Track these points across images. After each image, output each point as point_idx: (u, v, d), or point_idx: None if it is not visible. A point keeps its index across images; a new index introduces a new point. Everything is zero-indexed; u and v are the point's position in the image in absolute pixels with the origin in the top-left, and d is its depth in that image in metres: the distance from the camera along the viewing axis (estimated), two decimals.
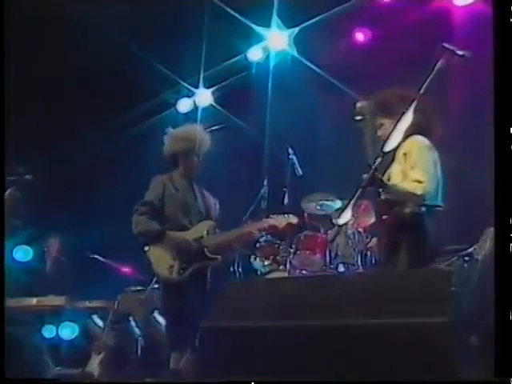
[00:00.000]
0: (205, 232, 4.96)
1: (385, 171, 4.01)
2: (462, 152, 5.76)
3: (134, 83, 7.63)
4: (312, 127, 7.62)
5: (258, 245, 6.00)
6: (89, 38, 7.20)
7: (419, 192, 3.76)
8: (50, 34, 7.22)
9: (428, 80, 3.24)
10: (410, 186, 3.81)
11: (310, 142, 7.30)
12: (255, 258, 6.16)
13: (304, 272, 5.97)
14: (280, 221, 5.18)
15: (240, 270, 6.26)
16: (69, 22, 7.11)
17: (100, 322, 6.40)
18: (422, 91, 3.26)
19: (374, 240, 5.12)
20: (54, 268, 7.31)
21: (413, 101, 3.88)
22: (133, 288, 6.50)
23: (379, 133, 4.13)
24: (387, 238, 3.73)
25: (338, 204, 5.86)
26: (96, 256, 6.97)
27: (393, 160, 4.03)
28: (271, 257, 6.10)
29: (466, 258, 4.53)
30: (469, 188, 5.66)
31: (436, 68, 3.25)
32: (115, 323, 6.04)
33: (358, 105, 4.15)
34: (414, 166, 3.87)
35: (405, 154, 3.94)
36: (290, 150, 6.15)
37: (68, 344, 6.60)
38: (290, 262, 5.81)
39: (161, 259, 4.83)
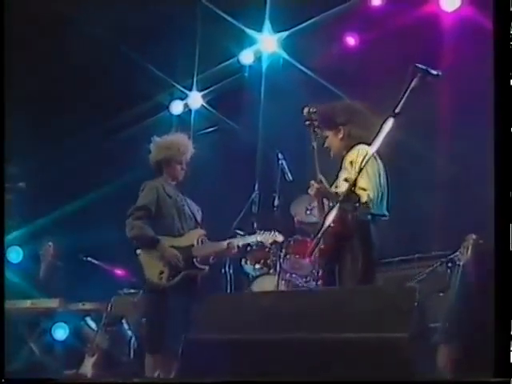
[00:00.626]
0: (195, 241, 5.07)
1: (335, 179, 4.16)
2: (449, 161, 5.86)
3: (128, 86, 7.73)
4: (304, 130, 7.70)
5: (248, 248, 6.09)
6: (82, 40, 7.27)
7: (364, 199, 3.84)
8: (44, 35, 7.30)
9: (402, 100, 3.33)
10: (358, 193, 3.90)
11: (301, 146, 7.39)
12: (246, 262, 6.28)
13: (294, 276, 6.09)
14: (266, 238, 5.31)
15: (231, 272, 6.36)
16: (62, 25, 7.20)
17: (93, 325, 6.49)
18: (397, 110, 3.35)
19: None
20: (48, 271, 7.40)
21: (349, 112, 4.04)
22: (126, 291, 6.59)
23: (326, 144, 4.28)
24: (333, 245, 3.81)
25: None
26: (90, 259, 7.05)
27: (340, 168, 4.17)
28: (262, 260, 6.22)
29: (449, 264, 4.65)
30: (453, 196, 5.78)
31: (410, 88, 3.34)
32: (108, 326, 6.13)
33: (305, 110, 4.26)
34: (359, 173, 3.97)
35: (351, 162, 4.06)
36: (280, 155, 6.25)
37: (61, 345, 6.71)
38: (280, 266, 5.92)
39: (152, 265, 4.93)
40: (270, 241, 5.38)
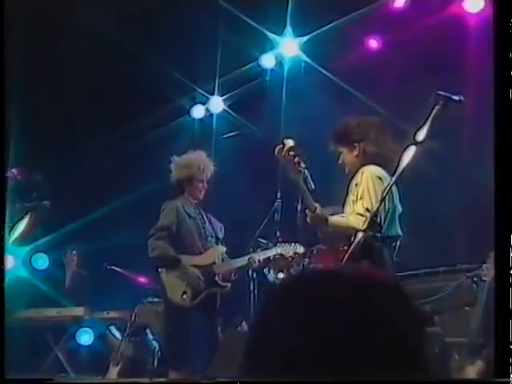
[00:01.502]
0: (216, 258, 5.08)
1: (344, 203, 4.11)
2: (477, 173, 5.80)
3: (149, 90, 7.74)
4: (326, 136, 7.66)
5: (271, 257, 6.06)
6: (103, 44, 7.29)
7: (360, 226, 3.68)
8: (61, 39, 7.32)
9: (425, 128, 3.27)
10: (352, 220, 3.85)
11: (324, 152, 7.37)
12: (269, 271, 6.25)
13: None
14: (287, 249, 5.29)
15: (255, 280, 6.35)
16: (82, 29, 7.21)
17: (118, 333, 6.54)
18: (419, 139, 3.29)
19: None
20: (73, 280, 7.46)
21: (365, 129, 3.98)
22: (150, 299, 6.61)
23: (339, 161, 4.22)
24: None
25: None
26: (113, 267, 7.09)
27: (347, 193, 4.12)
28: (285, 270, 6.18)
29: (475, 279, 4.59)
30: (480, 209, 5.71)
31: (432, 115, 3.29)
32: (132, 335, 6.17)
33: (278, 148, 4.06)
34: (361, 197, 3.93)
35: (356, 185, 4.01)
36: (302, 164, 6.18)
37: (86, 350, 6.77)
38: None
39: (174, 285, 4.96)
40: (291, 253, 5.37)
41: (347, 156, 4.25)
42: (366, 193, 3.93)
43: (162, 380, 4.91)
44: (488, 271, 4.31)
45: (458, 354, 4.14)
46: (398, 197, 4.10)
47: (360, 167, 4.17)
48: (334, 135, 4.28)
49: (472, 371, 3.90)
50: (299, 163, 4.02)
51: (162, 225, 5.10)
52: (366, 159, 4.16)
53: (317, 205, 4.04)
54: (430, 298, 5.07)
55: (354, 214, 3.92)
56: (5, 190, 4.68)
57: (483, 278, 4.30)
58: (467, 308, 4.75)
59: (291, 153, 4.00)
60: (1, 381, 3.25)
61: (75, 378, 6.37)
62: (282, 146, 4.03)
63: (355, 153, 4.21)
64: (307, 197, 4.00)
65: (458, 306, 4.85)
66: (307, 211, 4.06)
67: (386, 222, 3.96)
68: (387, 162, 3.97)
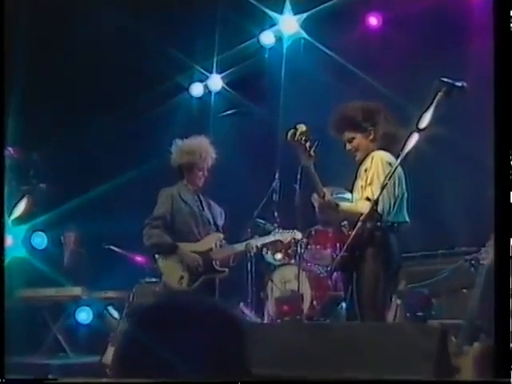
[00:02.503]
0: (213, 244, 5.04)
1: (352, 188, 4.06)
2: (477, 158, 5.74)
3: (148, 67, 7.64)
4: (326, 114, 7.57)
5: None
6: (102, 22, 7.18)
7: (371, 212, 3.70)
8: (61, 17, 7.21)
9: (428, 115, 3.20)
10: (361, 205, 3.80)
11: (324, 131, 7.30)
12: (267, 252, 6.23)
13: (315, 266, 6.04)
14: (285, 236, 5.26)
15: (253, 261, 6.33)
16: (80, 7, 7.10)
17: (116, 314, 6.51)
18: (422, 126, 3.22)
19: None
20: (71, 259, 7.43)
21: (376, 113, 3.91)
22: (147, 280, 6.58)
23: (348, 147, 4.14)
24: (350, 253, 3.73)
25: (349, 197, 5.87)
26: (111, 247, 7.05)
27: (356, 176, 4.06)
28: (283, 250, 6.17)
29: (473, 262, 4.56)
30: (479, 193, 5.65)
31: (435, 102, 3.21)
32: (130, 316, 6.13)
33: (291, 132, 4.00)
34: (370, 182, 3.88)
35: (366, 170, 3.95)
36: (313, 149, 6.10)
37: (85, 329, 6.76)
38: (302, 256, 5.86)
39: (171, 271, 4.95)
40: (289, 239, 5.34)
41: (362, 141, 4.15)
42: (376, 178, 3.89)
43: (162, 380, 4.87)
44: (486, 254, 4.25)
45: (455, 336, 4.10)
46: (404, 182, 4.04)
47: (371, 152, 4.11)
48: (341, 122, 4.18)
49: (470, 354, 3.86)
50: (311, 148, 3.96)
51: (156, 214, 5.08)
52: (380, 143, 4.09)
53: (325, 190, 3.98)
54: (428, 280, 5.06)
55: (362, 199, 3.87)
56: (3, 171, 4.62)
57: (481, 262, 4.24)
58: (465, 291, 4.72)
59: (303, 138, 3.95)
60: (1, 381, 3.22)
61: (73, 357, 6.35)
62: (294, 130, 3.98)
63: (370, 137, 4.13)
64: (317, 183, 3.93)
65: (456, 289, 4.83)
66: (315, 197, 4.00)
67: (395, 209, 3.91)
68: (395, 146, 3.91)
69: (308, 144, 3.97)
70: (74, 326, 6.84)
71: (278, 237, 5.33)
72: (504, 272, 2.56)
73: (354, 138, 4.14)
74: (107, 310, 6.58)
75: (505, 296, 2.54)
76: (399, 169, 3.93)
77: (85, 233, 7.49)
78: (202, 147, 5.17)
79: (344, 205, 3.99)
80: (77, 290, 6.80)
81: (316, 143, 3.96)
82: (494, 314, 2.60)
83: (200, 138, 5.28)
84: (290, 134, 3.96)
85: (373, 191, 3.83)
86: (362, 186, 3.99)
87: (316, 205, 4.04)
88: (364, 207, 3.73)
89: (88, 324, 6.76)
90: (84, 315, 6.77)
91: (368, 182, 3.91)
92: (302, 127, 3.96)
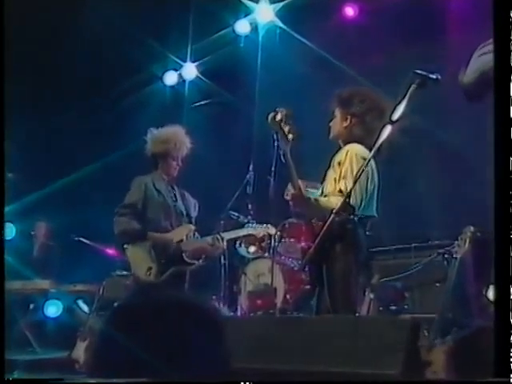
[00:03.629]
0: (184, 236, 5.02)
1: (324, 178, 4.08)
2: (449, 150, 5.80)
3: (120, 56, 7.58)
4: (302, 104, 7.59)
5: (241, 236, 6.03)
6: (75, 10, 7.12)
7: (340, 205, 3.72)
8: (33, 3, 7.13)
9: (401, 108, 3.22)
10: (334, 200, 3.83)
11: (300, 123, 7.30)
12: (240, 245, 6.24)
13: (288, 259, 6.06)
14: (258, 231, 5.27)
15: (226, 254, 6.34)
16: None
17: (85, 308, 6.47)
18: (394, 118, 3.24)
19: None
20: (40, 252, 7.37)
21: (372, 109, 3.93)
22: (118, 272, 6.55)
23: (330, 123, 4.17)
24: (321, 247, 3.76)
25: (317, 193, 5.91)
26: (81, 239, 7.00)
27: (329, 167, 4.08)
28: (256, 243, 6.18)
29: (446, 256, 4.61)
30: (452, 185, 5.73)
31: (408, 94, 3.23)
32: (100, 309, 6.12)
33: (271, 116, 4.03)
34: (343, 176, 3.90)
35: (339, 163, 3.97)
36: (275, 136, 6.12)
37: (53, 323, 6.72)
38: (275, 250, 5.88)
39: (139, 260, 4.91)
40: (262, 234, 5.35)
41: (336, 123, 4.18)
42: (350, 173, 3.89)
43: (162, 380, 4.86)
44: (459, 248, 4.30)
45: (427, 330, 4.15)
46: (377, 176, 4.07)
47: (345, 143, 4.12)
48: (337, 96, 4.20)
49: (441, 349, 3.92)
50: (289, 133, 3.98)
51: (127, 202, 5.03)
52: (351, 136, 4.10)
53: (300, 183, 4.00)
54: (402, 274, 5.10)
55: (335, 194, 3.89)
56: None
57: (454, 255, 4.30)
58: (438, 284, 4.78)
59: (283, 121, 3.96)
60: (1, 381, 3.24)
61: (40, 352, 6.31)
62: (274, 113, 3.99)
63: (344, 124, 4.15)
64: (293, 173, 3.95)
65: (429, 283, 4.88)
66: (289, 188, 4.02)
67: (364, 203, 3.93)
68: (371, 142, 3.93)
69: (287, 128, 3.97)
70: (42, 320, 6.79)
71: (250, 231, 5.33)
72: (504, 270, 2.58)
73: (335, 117, 4.18)
74: (77, 303, 6.53)
75: (505, 293, 2.56)
76: (372, 162, 3.95)
77: (54, 224, 7.44)
78: (177, 136, 5.14)
79: (317, 199, 4.01)
80: (45, 283, 6.75)
81: (293, 128, 3.97)
82: (494, 314, 2.62)
83: (175, 127, 5.26)
84: (270, 116, 3.98)
85: (346, 185, 3.84)
86: (335, 179, 4.00)
87: (288, 197, 4.05)
88: (336, 202, 3.76)
89: (57, 318, 6.71)
90: (53, 309, 6.72)
91: (342, 175, 3.93)
92: (282, 110, 3.98)
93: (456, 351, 3.76)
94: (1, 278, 3.61)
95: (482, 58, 2.76)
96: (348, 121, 4.13)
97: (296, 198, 3.99)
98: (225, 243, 5.07)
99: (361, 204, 3.88)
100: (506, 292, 2.45)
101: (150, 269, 4.86)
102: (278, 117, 3.96)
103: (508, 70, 2.57)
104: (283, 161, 4.03)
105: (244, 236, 5.71)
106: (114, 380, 1.39)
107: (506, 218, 2.60)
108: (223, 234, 5.11)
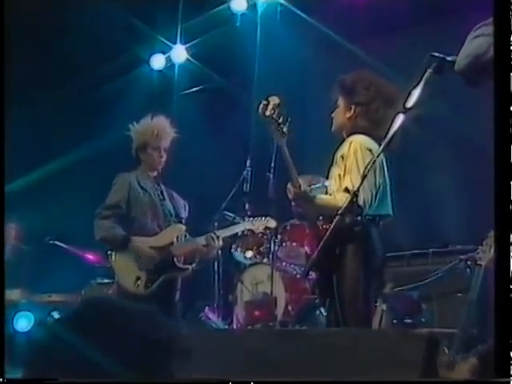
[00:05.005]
0: (174, 238, 4.99)
1: (327, 175, 4.07)
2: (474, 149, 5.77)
3: (103, 37, 7.56)
4: (304, 89, 7.59)
5: (239, 233, 6.02)
6: None
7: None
8: None
9: (415, 94, 3.19)
10: (340, 198, 3.81)
11: (303, 111, 7.29)
12: (236, 249, 6.23)
13: (290, 265, 6.05)
14: (257, 225, 5.24)
15: (220, 260, 6.34)
16: None
17: None
18: (408, 106, 3.21)
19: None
20: (10, 257, 7.33)
21: (379, 96, 3.91)
22: (99, 280, 6.54)
23: (333, 114, 4.16)
24: (327, 252, 3.74)
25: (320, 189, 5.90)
26: (57, 242, 6.97)
27: (332, 163, 4.07)
28: (254, 248, 6.17)
29: (469, 263, 4.59)
30: (475, 185, 5.69)
31: (424, 79, 3.20)
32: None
33: (263, 105, 3.96)
34: (348, 171, 3.88)
35: (342, 157, 3.95)
36: (286, 127, 6.09)
37: (23, 338, 6.68)
38: (275, 255, 5.87)
39: (126, 269, 4.86)
40: (261, 228, 5.34)
41: (339, 114, 4.16)
42: (355, 167, 3.86)
43: (162, 380, 4.84)
44: (484, 254, 4.28)
45: (448, 347, 4.14)
46: (386, 170, 4.05)
47: (348, 135, 4.11)
48: (340, 83, 4.17)
49: (464, 368, 3.90)
50: (284, 125, 3.95)
51: (109, 203, 4.99)
52: (355, 128, 4.09)
53: (301, 180, 3.98)
54: (418, 282, 5.09)
55: (341, 191, 3.87)
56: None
57: (478, 262, 4.27)
58: (460, 295, 4.76)
59: (276, 112, 3.91)
60: (1, 381, 3.30)
61: (8, 371, 6.27)
62: (266, 103, 3.93)
63: (348, 114, 4.13)
64: (291, 169, 3.93)
65: (450, 293, 4.86)
66: (290, 186, 4.00)
67: (377, 200, 3.91)
68: (376, 133, 3.91)
69: (281, 119, 3.93)
70: (11, 335, 6.74)
71: (248, 226, 5.31)
72: (504, 269, 2.62)
73: (338, 106, 4.16)
74: (51, 316, 6.50)
75: (505, 294, 2.61)
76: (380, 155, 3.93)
77: (26, 225, 7.39)
78: (157, 125, 5.11)
79: (321, 197, 3.99)
80: (15, 293, 6.71)
81: (288, 119, 3.93)
82: (495, 313, 2.67)
83: (156, 116, 5.24)
84: (260, 108, 3.91)
85: (352, 181, 3.81)
86: (339, 175, 3.98)
87: (290, 196, 4.03)
88: (343, 199, 3.73)
89: (28, 332, 6.67)
90: (23, 322, 6.68)
91: (346, 170, 3.91)
92: (274, 99, 3.92)
93: (481, 370, 3.75)
94: (1, 279, 3.64)
95: (475, 41, 2.76)
96: (352, 111, 4.11)
97: (297, 198, 3.97)
98: (220, 242, 5.04)
99: (371, 202, 3.86)
100: (506, 291, 2.52)
101: (138, 278, 4.82)
102: (270, 107, 3.90)
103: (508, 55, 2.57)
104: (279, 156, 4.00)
105: (241, 233, 5.70)
106: (114, 380, 1.46)
107: None
108: (218, 232, 5.08)
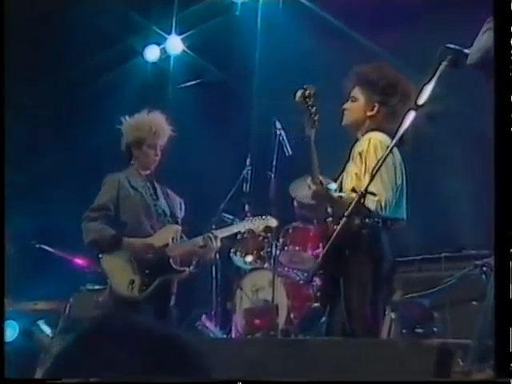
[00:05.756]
0: (170, 239, 4.98)
1: (342, 172, 4.06)
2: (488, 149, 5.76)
3: (95, 28, 7.56)
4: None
5: (238, 236, 6.02)
6: None
7: (373, 207, 3.75)
8: None
9: (428, 89, 3.17)
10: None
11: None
12: (235, 253, 6.22)
13: (295, 272, 6.05)
14: (257, 224, 5.24)
15: (218, 264, 6.34)
16: None
17: (48, 330, 6.42)
18: (420, 102, 3.19)
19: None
20: None
21: (401, 94, 3.90)
22: (89, 287, 6.52)
23: (346, 105, 4.15)
24: (333, 256, 3.73)
25: (334, 187, 5.88)
26: (43, 246, 6.95)
27: (348, 159, 4.06)
28: (254, 252, 6.16)
29: (484, 269, 4.58)
30: (490, 185, 5.67)
31: (438, 73, 3.17)
32: (66, 331, 6.08)
33: (299, 94, 4.08)
34: (369, 170, 3.86)
35: (360, 154, 3.95)
36: (278, 124, 6.11)
37: (8, 349, 6.65)
38: (277, 259, 5.87)
39: (119, 272, 4.84)
40: (262, 227, 5.32)
41: (358, 109, 4.14)
42: (376, 166, 3.86)
43: (162, 380, 4.83)
44: None
45: (461, 359, 4.12)
46: (403, 172, 4.05)
47: (365, 132, 4.10)
48: (359, 75, 4.16)
49: (479, 378, 3.90)
50: (316, 115, 4.04)
51: (98, 204, 4.97)
52: (377, 127, 4.08)
53: (322, 177, 3.99)
54: (430, 289, 5.07)
55: (359, 189, 3.86)
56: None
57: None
58: (474, 303, 4.74)
59: (311, 101, 4.04)
60: (1, 381, 3.33)
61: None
62: (303, 90, 4.06)
63: (369, 113, 4.12)
64: (314, 163, 3.95)
65: (464, 301, 4.84)
66: (310, 182, 3.99)
67: (392, 205, 3.90)
68: (393, 130, 3.90)
69: (314, 109, 4.03)
70: None
71: (247, 225, 5.30)
72: (505, 270, 2.67)
73: (356, 100, 4.14)
74: (37, 325, 6.48)
75: (505, 294, 2.64)
76: (397, 154, 3.93)
77: (11, 228, 7.38)
78: (154, 121, 5.09)
79: (341, 196, 3.98)
80: None
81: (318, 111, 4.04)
82: (495, 312, 2.71)
83: (152, 112, 5.22)
84: (298, 95, 4.04)
85: (375, 184, 3.81)
86: (356, 174, 3.97)
87: (310, 194, 4.02)
88: (367, 201, 3.73)
89: (12, 343, 6.65)
90: (8, 332, 6.67)
91: (366, 169, 3.90)
92: (311, 88, 4.06)
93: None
94: (1, 275, 3.65)
95: (487, 34, 2.76)
96: (375, 110, 4.10)
97: (318, 195, 3.96)
98: (218, 243, 5.02)
99: (391, 203, 3.86)
100: (506, 291, 2.59)
101: (132, 282, 4.81)
102: (306, 94, 4.03)
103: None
104: (304, 149, 4.05)
105: (241, 235, 5.69)
106: (114, 380, 1.46)
107: None
108: (216, 232, 5.06)
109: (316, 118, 4.03)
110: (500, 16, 2.66)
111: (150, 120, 5.11)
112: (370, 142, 3.94)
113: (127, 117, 5.19)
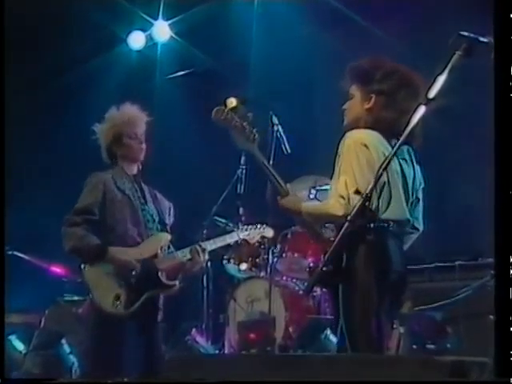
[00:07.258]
0: (159, 249, 4.95)
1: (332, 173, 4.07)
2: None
3: (75, 13, 7.59)
4: (308, 76, 7.59)
5: (231, 244, 6.00)
6: None
7: (340, 212, 3.68)
8: None
9: (440, 82, 3.17)
10: (333, 204, 3.78)
11: (305, 102, 7.31)
12: (228, 260, 6.23)
13: (294, 281, 6.07)
14: (252, 234, 5.24)
15: (209, 273, 6.35)
16: None
17: (21, 345, 6.42)
18: (431, 96, 3.19)
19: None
20: None
21: (404, 84, 3.90)
22: (67, 297, 6.53)
23: (344, 106, 4.15)
24: (335, 264, 3.74)
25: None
26: (16, 252, 6.93)
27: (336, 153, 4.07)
28: (249, 259, 6.18)
29: None
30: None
31: (450, 64, 3.17)
32: (41, 348, 6.08)
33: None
34: (343, 172, 3.86)
35: (339, 156, 3.95)
36: (275, 119, 6.11)
37: None
38: (274, 267, 5.89)
39: (103, 286, 4.80)
40: (257, 238, 5.31)
41: (355, 104, 4.12)
42: (349, 167, 3.85)
43: (161, 380, 4.83)
44: None
45: (478, 378, 4.13)
46: (400, 169, 4.05)
47: (364, 128, 4.10)
48: (353, 70, 4.16)
49: None
50: (249, 128, 4.00)
51: (80, 207, 4.93)
52: (377, 120, 4.06)
53: (289, 186, 3.98)
54: (442, 301, 5.08)
55: (335, 196, 3.86)
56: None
57: None
58: (491, 317, 4.74)
59: (236, 115, 4.00)
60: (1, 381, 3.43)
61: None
62: (222, 107, 4.05)
63: (367, 105, 4.11)
64: (273, 175, 3.94)
65: (480, 314, 4.84)
66: (278, 198, 4.01)
67: (386, 205, 3.91)
68: (401, 127, 3.90)
69: (246, 123, 4.00)
70: None
71: (242, 235, 5.28)
72: (505, 270, 2.80)
73: (352, 97, 4.15)
74: (9, 340, 6.47)
75: (505, 295, 2.75)
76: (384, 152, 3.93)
77: None
78: (125, 112, 5.08)
79: (308, 205, 3.98)
80: None
81: (251, 120, 4.01)
82: (495, 312, 2.81)
83: (123, 105, 5.20)
84: (214, 112, 4.02)
85: (346, 184, 3.80)
86: (359, 190, 3.97)
87: (280, 205, 4.04)
88: (335, 207, 3.73)
89: None
90: None
91: (341, 171, 3.89)
92: (231, 102, 4.04)
93: None
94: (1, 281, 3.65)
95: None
96: (372, 100, 4.07)
97: (287, 206, 3.98)
98: (206, 256, 4.99)
99: (386, 207, 3.86)
100: (507, 291, 2.74)
101: (117, 297, 4.77)
102: (226, 110, 4.02)
103: None
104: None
105: (233, 245, 5.68)
106: (114, 380, 1.49)
107: None
108: (204, 244, 5.03)
109: (253, 130, 4.00)
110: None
111: (120, 113, 5.11)
112: (344, 142, 3.94)
113: (97, 124, 5.17)
